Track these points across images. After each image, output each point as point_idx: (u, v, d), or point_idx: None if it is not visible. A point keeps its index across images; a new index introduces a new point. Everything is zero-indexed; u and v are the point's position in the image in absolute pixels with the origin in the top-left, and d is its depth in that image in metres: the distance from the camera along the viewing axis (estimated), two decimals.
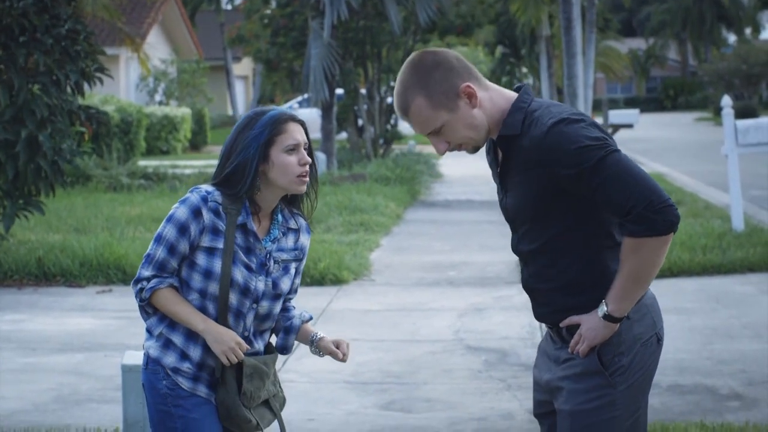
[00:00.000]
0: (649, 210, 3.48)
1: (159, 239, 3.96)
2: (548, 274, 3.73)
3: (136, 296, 4.02)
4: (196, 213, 3.93)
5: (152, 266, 3.98)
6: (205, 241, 3.94)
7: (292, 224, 4.13)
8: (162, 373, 4.00)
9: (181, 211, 3.94)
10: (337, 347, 4.14)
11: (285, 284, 4.08)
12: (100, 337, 9.44)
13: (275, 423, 4.14)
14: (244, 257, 3.97)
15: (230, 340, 3.93)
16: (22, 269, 11.88)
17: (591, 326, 3.65)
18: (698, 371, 8.12)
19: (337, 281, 11.75)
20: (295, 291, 4.21)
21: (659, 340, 3.76)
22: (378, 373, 8.22)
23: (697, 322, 9.75)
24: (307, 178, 4.04)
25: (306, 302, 9.69)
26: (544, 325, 3.90)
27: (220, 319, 3.96)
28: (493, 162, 3.85)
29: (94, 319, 10.13)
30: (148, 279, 3.98)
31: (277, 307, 4.10)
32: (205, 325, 3.94)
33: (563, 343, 3.78)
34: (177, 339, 3.99)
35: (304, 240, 4.17)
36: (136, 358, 5.71)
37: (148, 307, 4.02)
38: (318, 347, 4.16)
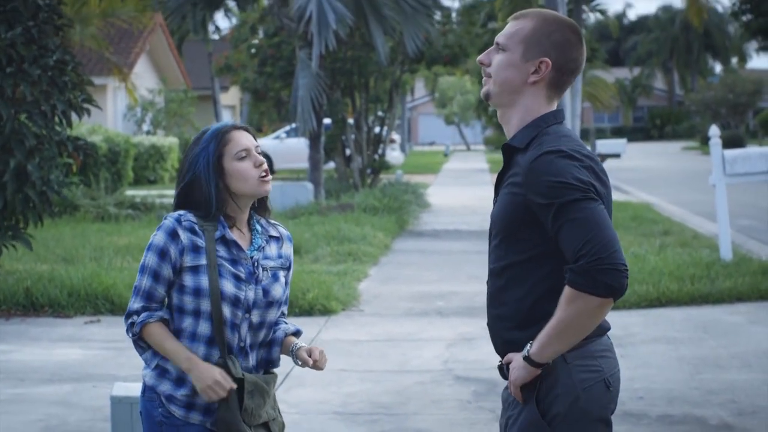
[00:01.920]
0: (595, 266, 3.35)
1: (143, 269, 4.00)
2: (499, 299, 3.65)
3: (127, 331, 4.04)
4: (172, 235, 3.97)
5: (140, 297, 4.01)
6: (188, 261, 3.97)
7: (273, 232, 4.20)
8: (158, 401, 4.03)
9: (158, 237, 3.99)
10: (310, 355, 4.10)
11: (276, 291, 4.10)
12: (88, 367, 9.41)
13: None
14: (232, 268, 4.00)
15: (209, 378, 3.94)
16: (10, 299, 11.84)
17: (514, 365, 3.57)
18: (687, 401, 8.11)
19: (326, 312, 11.73)
20: (286, 302, 4.23)
21: (608, 386, 3.59)
22: (367, 403, 8.20)
23: (685, 352, 9.75)
24: (269, 177, 4.06)
25: None
26: None
27: (217, 333, 3.97)
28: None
29: (82, 349, 10.10)
30: (138, 312, 4.01)
31: (270, 316, 4.10)
32: (189, 364, 3.96)
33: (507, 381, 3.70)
34: (172, 367, 4.01)
35: (287, 249, 4.22)
36: (126, 389, 5.69)
37: (140, 341, 4.04)
38: (297, 357, 4.15)
